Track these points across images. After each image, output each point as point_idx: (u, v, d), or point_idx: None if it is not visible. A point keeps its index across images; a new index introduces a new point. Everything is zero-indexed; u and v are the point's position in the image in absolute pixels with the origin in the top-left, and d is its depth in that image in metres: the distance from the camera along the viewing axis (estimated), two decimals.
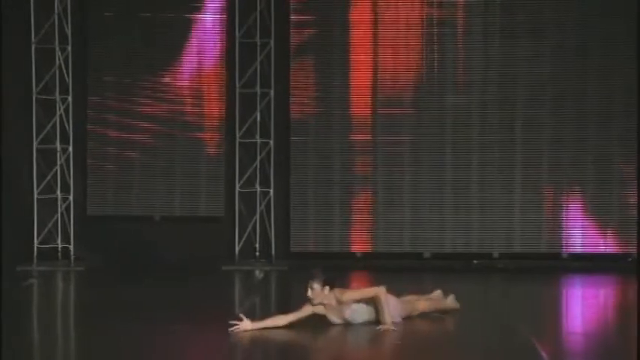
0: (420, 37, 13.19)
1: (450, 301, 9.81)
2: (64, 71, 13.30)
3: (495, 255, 13.15)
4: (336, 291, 9.10)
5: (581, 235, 13.07)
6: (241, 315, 8.98)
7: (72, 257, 13.31)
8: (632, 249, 12.77)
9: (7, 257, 12.93)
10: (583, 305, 10.94)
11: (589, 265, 12.92)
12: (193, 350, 8.41)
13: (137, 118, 13.37)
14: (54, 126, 13.32)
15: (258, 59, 13.25)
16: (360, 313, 9.16)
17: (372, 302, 9.12)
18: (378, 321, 9.06)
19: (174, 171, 13.40)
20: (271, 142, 13.33)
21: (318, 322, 9.31)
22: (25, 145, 13.33)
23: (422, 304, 9.58)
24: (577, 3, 13.02)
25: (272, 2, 13.21)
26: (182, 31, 13.34)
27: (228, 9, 13.32)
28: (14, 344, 8.48)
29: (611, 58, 12.96)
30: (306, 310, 9.10)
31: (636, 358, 7.82)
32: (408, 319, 9.33)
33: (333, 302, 9.07)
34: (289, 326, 9.00)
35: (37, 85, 13.25)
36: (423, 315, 9.51)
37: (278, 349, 8.69)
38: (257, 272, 12.79)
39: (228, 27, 13.33)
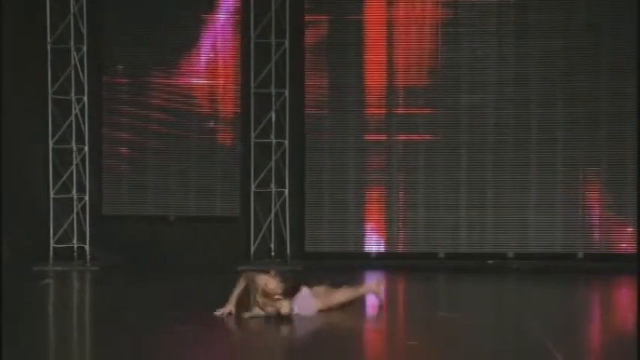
0: (435, 36, 13.19)
1: (368, 286, 10.34)
2: (80, 71, 13.34)
3: (510, 255, 13.13)
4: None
5: (596, 235, 13.04)
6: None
7: (87, 257, 13.35)
8: None
9: (23, 257, 13.00)
10: (599, 306, 10.91)
11: (605, 265, 12.88)
12: (206, 350, 8.43)
13: (152, 118, 13.41)
14: (70, 126, 13.36)
15: (273, 59, 13.26)
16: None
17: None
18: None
19: (189, 171, 13.42)
20: (286, 142, 13.34)
21: (328, 323, 9.37)
22: (41, 145, 13.38)
23: (339, 295, 9.95)
24: (589, 2, 12.99)
25: (287, 2, 13.22)
26: (197, 31, 13.37)
27: (243, 9, 13.34)
28: (30, 343, 8.53)
29: (624, 57, 12.92)
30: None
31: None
32: (328, 310, 9.80)
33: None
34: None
35: (52, 85, 13.29)
36: (344, 305, 9.93)
37: (285, 350, 8.70)
38: (272, 272, 12.75)
39: (243, 27, 13.35)
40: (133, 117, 13.42)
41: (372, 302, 10.29)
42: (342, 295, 10.02)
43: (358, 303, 10.17)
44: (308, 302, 9.76)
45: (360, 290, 10.29)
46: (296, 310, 9.67)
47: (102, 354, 8.38)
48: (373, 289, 10.28)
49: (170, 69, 13.37)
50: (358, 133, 13.28)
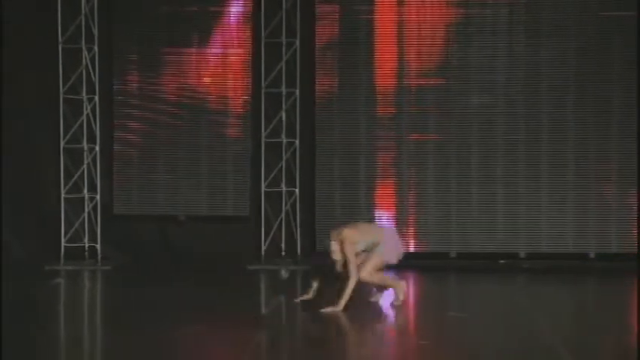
0: (445, 36, 13.17)
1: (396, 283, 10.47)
2: (91, 71, 13.36)
3: (522, 255, 13.12)
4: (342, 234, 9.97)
5: (608, 234, 13.00)
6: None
7: (99, 256, 13.37)
8: None
9: (34, 256, 13.02)
10: (609, 306, 10.87)
11: (616, 265, 12.85)
12: (218, 350, 8.44)
13: (163, 117, 13.42)
14: (81, 125, 13.39)
15: (284, 59, 13.26)
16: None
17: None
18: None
19: (199, 170, 13.44)
20: (297, 141, 13.35)
21: (338, 321, 9.37)
22: (52, 144, 13.41)
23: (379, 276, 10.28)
24: (600, 1, 12.97)
25: (298, 2, 13.22)
26: (208, 30, 13.38)
27: (254, 8, 13.34)
28: (41, 343, 8.54)
29: (635, 57, 12.89)
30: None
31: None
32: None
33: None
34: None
35: (63, 85, 13.31)
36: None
37: (302, 348, 8.71)
38: (283, 272, 12.79)
39: (254, 26, 13.35)
40: (143, 117, 13.43)
41: (387, 301, 10.26)
42: (378, 278, 10.19)
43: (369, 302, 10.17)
44: (395, 243, 10.10)
45: (389, 283, 10.32)
46: (386, 257, 10.04)
47: (112, 354, 8.39)
48: (397, 288, 10.22)
49: (181, 69, 13.37)
50: (369, 133, 13.27)
